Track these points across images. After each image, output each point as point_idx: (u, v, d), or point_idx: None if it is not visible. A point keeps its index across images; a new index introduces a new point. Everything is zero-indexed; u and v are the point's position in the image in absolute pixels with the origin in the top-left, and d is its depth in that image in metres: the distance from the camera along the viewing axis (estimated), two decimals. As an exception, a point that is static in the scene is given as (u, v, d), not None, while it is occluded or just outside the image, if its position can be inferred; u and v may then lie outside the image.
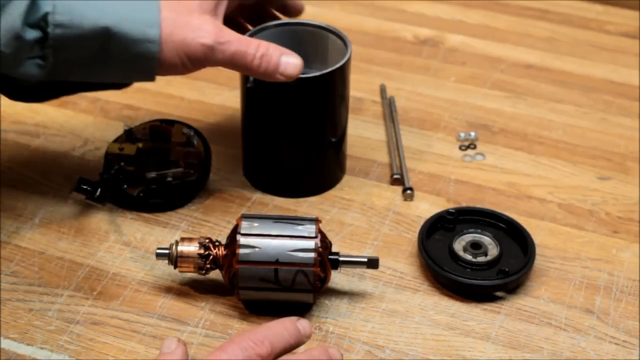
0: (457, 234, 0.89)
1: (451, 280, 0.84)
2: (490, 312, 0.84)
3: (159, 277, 0.86)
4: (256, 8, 0.95)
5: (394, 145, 1.02)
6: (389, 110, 1.07)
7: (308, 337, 0.73)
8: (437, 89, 1.11)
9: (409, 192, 0.95)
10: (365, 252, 0.89)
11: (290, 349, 0.72)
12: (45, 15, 0.79)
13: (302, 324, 0.73)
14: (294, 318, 0.73)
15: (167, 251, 0.82)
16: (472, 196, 0.96)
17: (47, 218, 0.92)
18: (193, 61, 0.83)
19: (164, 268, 0.86)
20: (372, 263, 0.83)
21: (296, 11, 0.95)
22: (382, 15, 1.25)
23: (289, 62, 0.85)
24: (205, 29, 0.83)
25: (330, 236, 0.86)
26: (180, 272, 0.83)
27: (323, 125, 0.93)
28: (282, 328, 0.71)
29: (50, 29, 0.79)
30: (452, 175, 0.99)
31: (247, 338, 0.70)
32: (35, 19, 0.79)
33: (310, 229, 0.81)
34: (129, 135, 0.96)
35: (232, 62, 0.84)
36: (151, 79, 0.84)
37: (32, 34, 0.79)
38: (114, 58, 0.82)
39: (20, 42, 0.78)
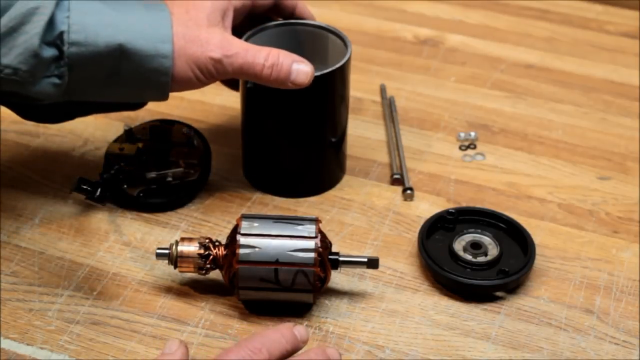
0: (457, 234, 0.89)
1: (451, 280, 0.84)
2: (490, 312, 0.84)
3: (159, 277, 0.86)
4: (265, 19, 0.94)
5: (394, 145, 1.02)
6: (389, 110, 1.07)
7: (305, 342, 0.74)
8: (437, 89, 1.11)
9: (409, 192, 0.95)
10: (365, 252, 0.89)
11: (287, 355, 0.72)
12: (61, 33, 0.79)
13: (298, 330, 0.73)
14: (290, 324, 0.74)
15: (167, 251, 0.82)
16: (472, 196, 0.96)
17: (47, 218, 0.92)
18: (205, 74, 0.84)
19: (164, 268, 0.86)
20: (372, 263, 0.83)
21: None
22: (382, 15, 1.25)
23: (300, 70, 0.85)
24: (213, 42, 0.84)
25: (330, 236, 0.86)
26: (180, 272, 0.83)
27: (323, 125, 0.93)
28: (279, 335, 0.72)
29: (65, 48, 0.80)
30: (452, 175, 0.99)
31: (244, 347, 0.71)
32: (52, 38, 0.79)
33: (310, 229, 0.81)
34: (129, 135, 0.96)
35: (242, 73, 0.85)
36: (164, 95, 0.85)
37: (48, 52, 0.79)
38: (128, 75, 0.82)
39: (38, 60, 0.79)
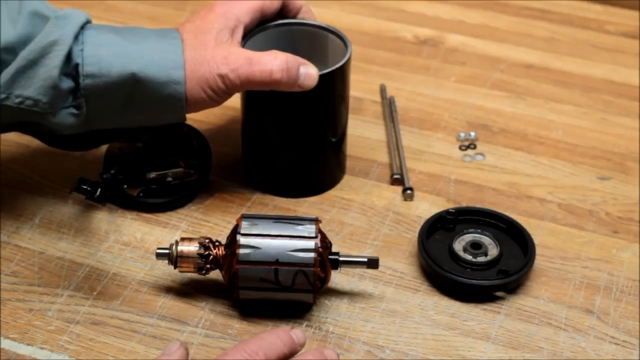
0: (457, 234, 0.89)
1: (451, 280, 0.84)
2: (490, 312, 0.84)
3: (159, 277, 0.86)
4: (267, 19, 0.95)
5: (394, 145, 1.02)
6: (389, 110, 1.07)
7: (302, 345, 0.75)
8: (437, 89, 1.11)
9: (409, 192, 0.95)
10: (365, 252, 0.89)
11: (284, 357, 0.73)
12: (76, 66, 0.82)
13: (295, 333, 0.74)
14: (287, 328, 0.75)
15: (167, 251, 0.82)
16: (472, 196, 0.96)
17: (47, 218, 0.92)
18: (217, 93, 0.85)
19: (164, 268, 0.86)
20: (372, 263, 0.83)
21: None
22: (382, 15, 1.25)
23: (308, 73, 0.86)
24: (218, 59, 0.85)
25: (330, 236, 0.86)
26: (180, 272, 0.83)
27: (323, 125, 0.93)
28: (275, 338, 0.73)
29: (81, 80, 0.82)
30: (452, 175, 0.99)
31: (242, 350, 0.71)
32: (69, 70, 0.81)
33: (310, 229, 0.81)
34: (129, 135, 0.96)
35: (250, 83, 0.86)
36: (182, 118, 0.87)
37: (66, 84, 0.82)
38: (143, 102, 0.84)
39: (57, 91, 0.81)
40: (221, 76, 0.84)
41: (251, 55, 0.85)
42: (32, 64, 0.80)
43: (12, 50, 0.80)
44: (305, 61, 0.86)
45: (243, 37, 0.89)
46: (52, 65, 0.80)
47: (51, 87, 0.81)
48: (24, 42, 0.81)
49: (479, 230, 0.89)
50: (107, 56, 0.82)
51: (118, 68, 0.82)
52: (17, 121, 0.84)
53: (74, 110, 0.83)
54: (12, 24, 0.80)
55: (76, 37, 0.82)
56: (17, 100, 0.81)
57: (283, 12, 0.93)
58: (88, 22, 0.84)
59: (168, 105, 0.85)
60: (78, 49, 0.82)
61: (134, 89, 0.83)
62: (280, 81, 0.85)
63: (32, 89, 0.81)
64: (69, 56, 0.81)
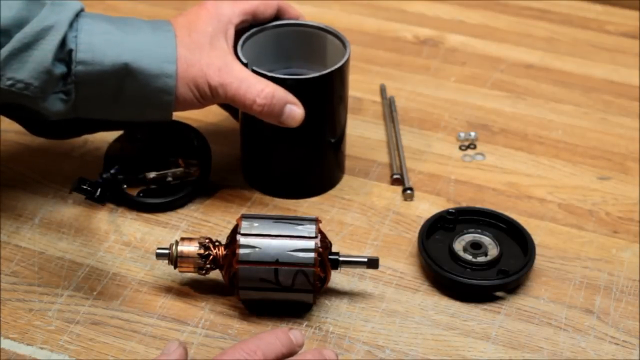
0: (457, 234, 0.89)
1: (451, 280, 0.84)
2: (490, 312, 0.84)
3: (159, 277, 0.86)
4: None
5: (394, 145, 1.02)
6: (389, 110, 1.07)
7: (300, 346, 0.75)
8: (437, 89, 1.11)
9: (409, 192, 0.95)
10: (365, 252, 0.89)
11: (282, 358, 0.73)
12: (70, 52, 0.82)
13: (294, 334, 0.75)
14: (285, 328, 0.75)
15: (167, 251, 0.82)
16: (472, 196, 0.96)
17: (47, 218, 0.92)
18: (204, 97, 0.86)
19: (164, 268, 0.86)
20: (372, 263, 0.83)
21: None
22: (382, 15, 1.25)
23: (291, 113, 0.87)
24: (212, 68, 0.85)
25: (330, 236, 0.86)
26: (180, 272, 0.83)
27: (322, 126, 0.93)
28: (274, 338, 0.73)
29: (73, 66, 0.82)
30: (452, 175, 0.99)
31: (240, 349, 0.72)
32: (62, 55, 0.82)
33: (310, 229, 0.81)
34: (129, 135, 0.96)
35: (234, 102, 0.87)
36: (168, 114, 0.87)
37: (59, 69, 0.82)
38: (133, 94, 0.84)
39: (49, 76, 0.81)
40: (210, 86, 0.85)
41: (243, 77, 0.86)
42: (26, 47, 0.80)
43: (7, 32, 0.80)
44: (295, 100, 0.87)
45: (236, 38, 0.89)
46: (46, 50, 0.80)
47: (44, 71, 0.81)
48: (19, 25, 0.81)
49: (479, 230, 0.89)
50: (101, 45, 0.82)
51: (111, 57, 0.82)
52: (4, 103, 0.84)
53: (62, 96, 0.83)
54: (7, 6, 0.80)
55: (71, 25, 0.82)
56: (9, 82, 0.81)
57: (278, 19, 0.93)
58: (82, 10, 0.84)
59: (157, 98, 0.85)
60: (72, 35, 0.82)
61: (125, 80, 0.83)
62: (260, 113, 0.86)
63: (25, 72, 0.81)
64: (63, 42, 0.81)
